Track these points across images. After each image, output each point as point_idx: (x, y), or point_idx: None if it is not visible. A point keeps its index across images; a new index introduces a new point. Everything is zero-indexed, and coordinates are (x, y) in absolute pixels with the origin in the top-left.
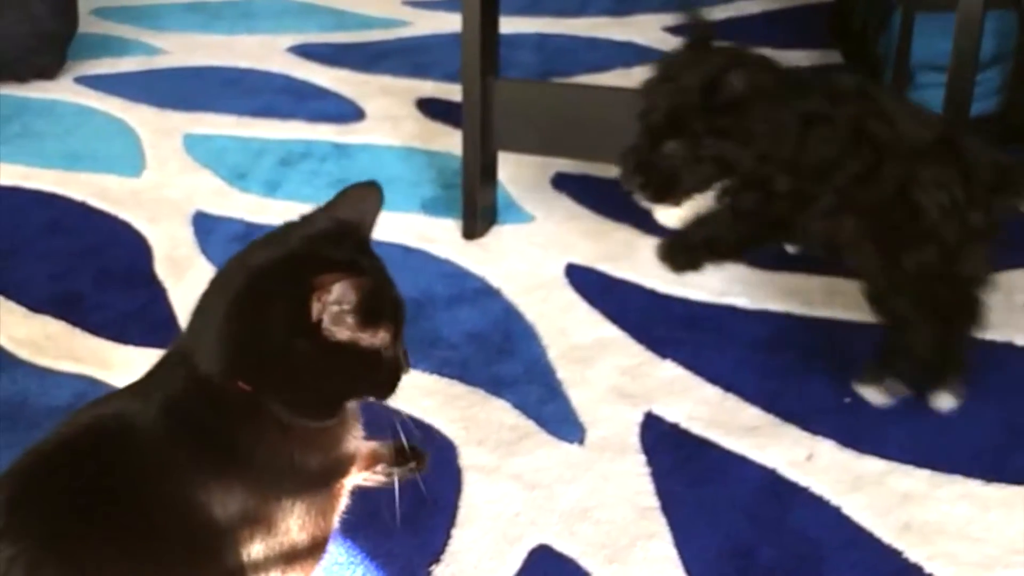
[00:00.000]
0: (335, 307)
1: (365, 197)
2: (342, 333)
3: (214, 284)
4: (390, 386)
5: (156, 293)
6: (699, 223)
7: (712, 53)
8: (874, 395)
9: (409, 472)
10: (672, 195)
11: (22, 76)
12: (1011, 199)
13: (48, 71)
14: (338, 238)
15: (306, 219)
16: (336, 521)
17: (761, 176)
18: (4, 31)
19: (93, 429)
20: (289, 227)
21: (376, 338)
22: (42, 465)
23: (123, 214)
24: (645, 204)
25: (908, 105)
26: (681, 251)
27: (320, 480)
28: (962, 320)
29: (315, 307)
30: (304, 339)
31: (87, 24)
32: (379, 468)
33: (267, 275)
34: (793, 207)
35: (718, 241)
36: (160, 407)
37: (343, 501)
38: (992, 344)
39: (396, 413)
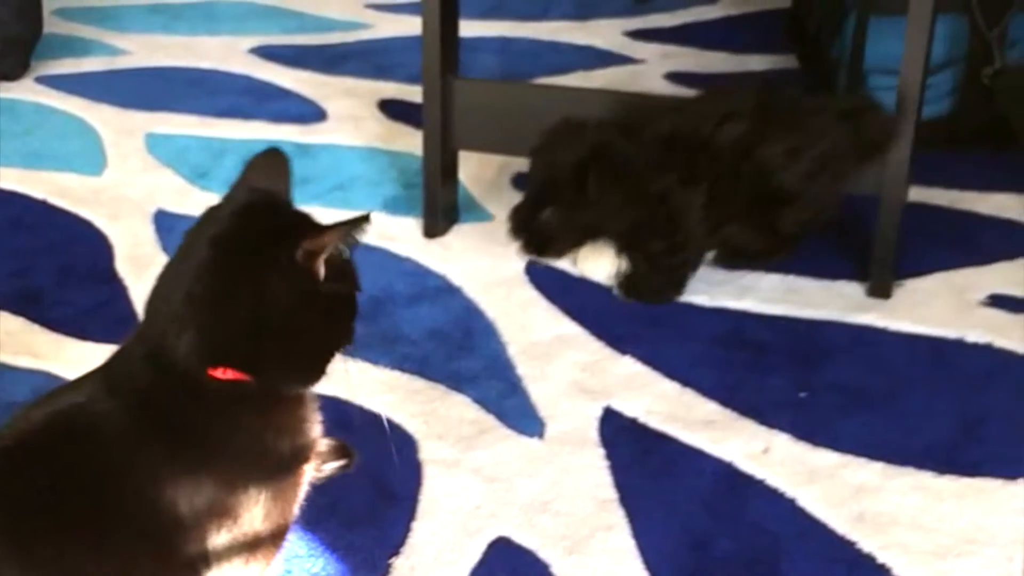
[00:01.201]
0: (327, 258)
1: (274, 164)
2: (334, 283)
3: (172, 277)
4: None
5: (116, 290)
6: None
7: (587, 131)
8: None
9: (339, 470)
10: (549, 254)
11: None
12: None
13: (11, 75)
14: (275, 203)
15: (231, 197)
16: (296, 510)
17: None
18: None
19: (54, 424)
20: (219, 208)
21: (351, 281)
22: (5, 456)
23: (84, 212)
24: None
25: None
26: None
27: (288, 466)
28: None
29: (317, 263)
30: (299, 298)
31: (49, 25)
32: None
33: (238, 251)
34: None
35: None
36: (126, 401)
37: (304, 489)
38: (944, 340)
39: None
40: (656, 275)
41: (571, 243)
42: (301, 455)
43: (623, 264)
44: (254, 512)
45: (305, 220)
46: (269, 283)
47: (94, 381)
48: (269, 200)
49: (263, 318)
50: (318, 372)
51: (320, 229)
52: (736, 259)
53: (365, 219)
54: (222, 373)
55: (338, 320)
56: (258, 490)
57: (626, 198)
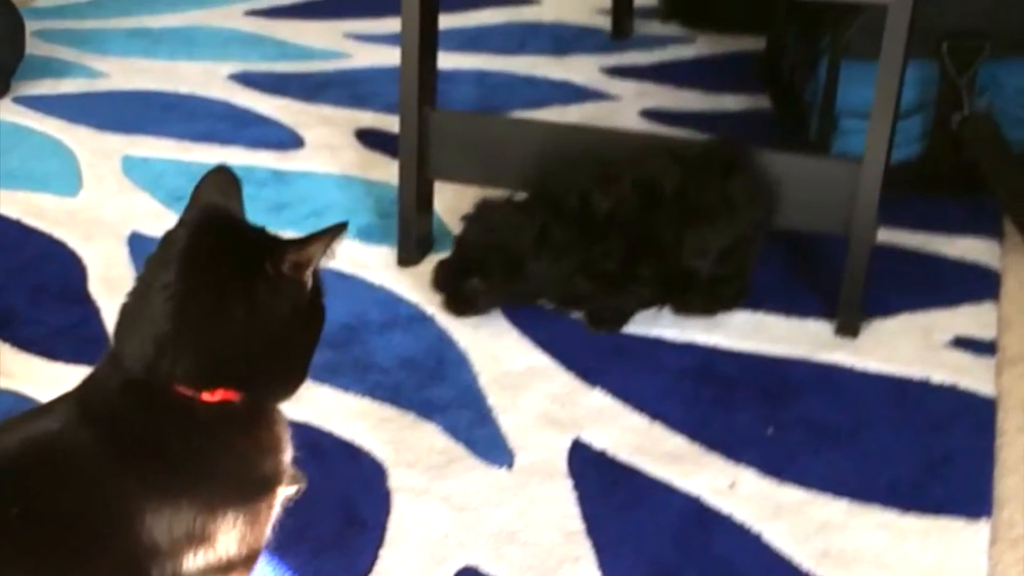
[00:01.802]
0: (309, 267)
1: (225, 182)
2: (316, 293)
3: (148, 301)
4: None
5: (89, 311)
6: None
7: (521, 209)
8: None
9: (292, 496)
10: (468, 314)
11: None
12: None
13: None
14: (236, 220)
15: (192, 219)
16: (268, 534)
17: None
18: None
19: (26, 451)
20: (182, 230)
21: (322, 290)
22: None
23: (59, 233)
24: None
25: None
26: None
27: (265, 488)
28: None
29: (305, 274)
30: (290, 309)
31: (29, 46)
32: None
33: (220, 269)
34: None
35: None
36: (104, 428)
37: (275, 513)
38: (909, 380)
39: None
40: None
41: (494, 306)
42: (277, 476)
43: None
44: (230, 536)
45: (270, 235)
46: (261, 298)
47: (67, 407)
48: (230, 218)
49: (257, 333)
50: (301, 382)
51: (303, 241)
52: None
53: (343, 227)
54: (211, 395)
55: (319, 329)
56: (236, 514)
57: (564, 275)
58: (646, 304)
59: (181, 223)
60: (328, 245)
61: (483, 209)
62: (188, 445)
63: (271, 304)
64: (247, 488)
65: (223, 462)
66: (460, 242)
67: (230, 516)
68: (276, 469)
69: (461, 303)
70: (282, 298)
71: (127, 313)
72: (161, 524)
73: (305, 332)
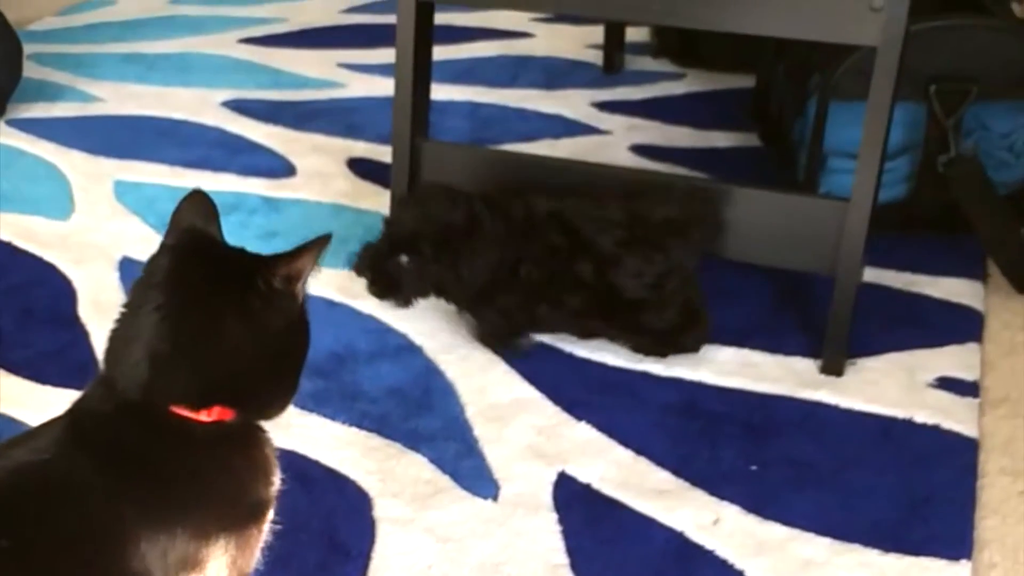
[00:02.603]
0: (300, 280)
1: (201, 204)
2: (301, 306)
3: (140, 326)
4: None
5: (78, 335)
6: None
7: (463, 198)
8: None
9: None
10: (392, 298)
11: None
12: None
13: None
14: (217, 241)
15: (176, 242)
16: (255, 561)
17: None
18: None
19: (16, 480)
20: (167, 254)
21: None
22: None
23: (49, 256)
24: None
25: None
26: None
27: (256, 512)
28: None
29: (297, 287)
30: (284, 323)
31: (24, 69)
32: None
33: (211, 289)
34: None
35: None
36: (97, 456)
37: (263, 539)
38: (893, 420)
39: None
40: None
41: (417, 293)
42: (268, 501)
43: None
44: (221, 561)
45: (255, 253)
46: (255, 313)
47: (56, 433)
48: (214, 239)
49: (254, 348)
50: (292, 396)
51: (292, 254)
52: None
53: (327, 239)
54: (207, 414)
55: (308, 342)
56: (228, 539)
57: (489, 270)
58: (570, 318)
59: (166, 246)
60: (317, 257)
61: (417, 194)
62: (184, 467)
63: (265, 319)
64: (240, 512)
65: (219, 484)
66: (389, 223)
67: (222, 541)
68: (267, 493)
69: (385, 285)
70: (276, 312)
71: (118, 337)
72: (155, 551)
73: (297, 345)
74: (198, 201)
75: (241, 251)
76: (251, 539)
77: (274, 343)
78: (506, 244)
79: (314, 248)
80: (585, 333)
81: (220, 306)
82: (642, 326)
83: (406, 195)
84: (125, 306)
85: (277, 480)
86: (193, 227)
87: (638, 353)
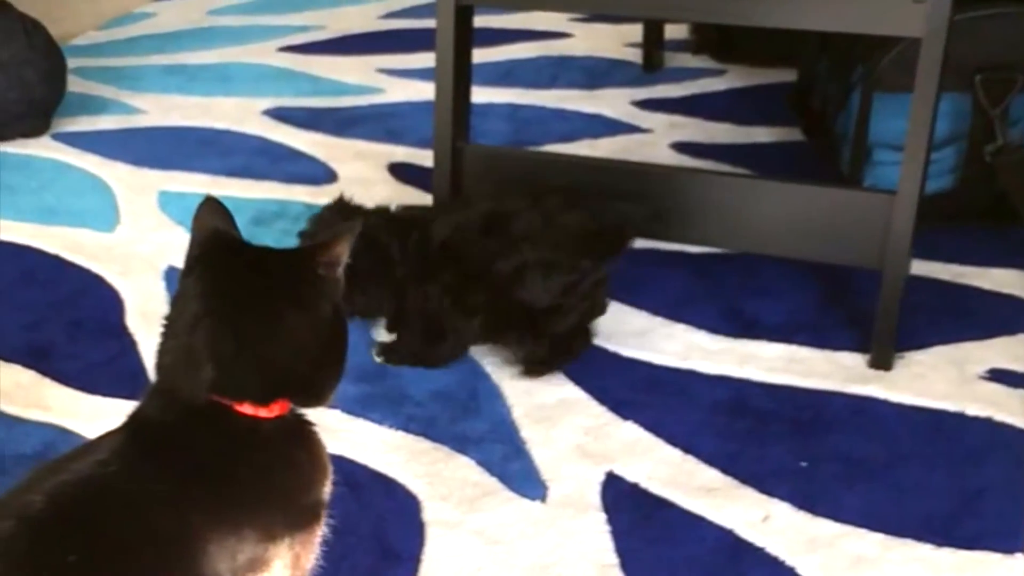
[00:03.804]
0: (339, 265)
1: (218, 210)
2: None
3: (194, 328)
4: None
5: (126, 345)
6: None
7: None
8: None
9: None
10: None
11: (6, 138)
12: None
13: (32, 134)
14: (243, 240)
15: (209, 243)
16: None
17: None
18: None
19: (79, 495)
20: (202, 258)
21: None
22: (33, 531)
23: (96, 267)
24: None
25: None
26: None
27: (316, 513)
28: None
29: (337, 273)
30: (333, 309)
31: (68, 83)
32: None
33: (260, 284)
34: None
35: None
36: (163, 462)
37: (319, 540)
38: (944, 413)
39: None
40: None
41: None
42: (324, 502)
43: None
44: (286, 560)
45: (286, 248)
46: (307, 302)
47: (118, 444)
48: (240, 240)
49: (310, 337)
50: (340, 381)
51: (326, 243)
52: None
53: (357, 225)
54: (269, 410)
55: (347, 326)
56: (292, 537)
57: (387, 290)
58: (472, 339)
59: (198, 252)
60: (350, 243)
61: (333, 209)
62: (252, 466)
63: (318, 306)
64: (304, 509)
65: (285, 481)
66: (302, 236)
67: (287, 540)
68: (326, 490)
69: None
70: (325, 299)
71: (174, 346)
72: (224, 554)
73: (343, 329)
74: (214, 207)
75: (271, 248)
76: (313, 537)
77: (326, 329)
78: (402, 271)
79: (346, 234)
80: (489, 341)
81: (277, 299)
82: (544, 331)
83: (324, 211)
84: (173, 315)
85: (329, 480)
86: (218, 230)
87: (529, 374)
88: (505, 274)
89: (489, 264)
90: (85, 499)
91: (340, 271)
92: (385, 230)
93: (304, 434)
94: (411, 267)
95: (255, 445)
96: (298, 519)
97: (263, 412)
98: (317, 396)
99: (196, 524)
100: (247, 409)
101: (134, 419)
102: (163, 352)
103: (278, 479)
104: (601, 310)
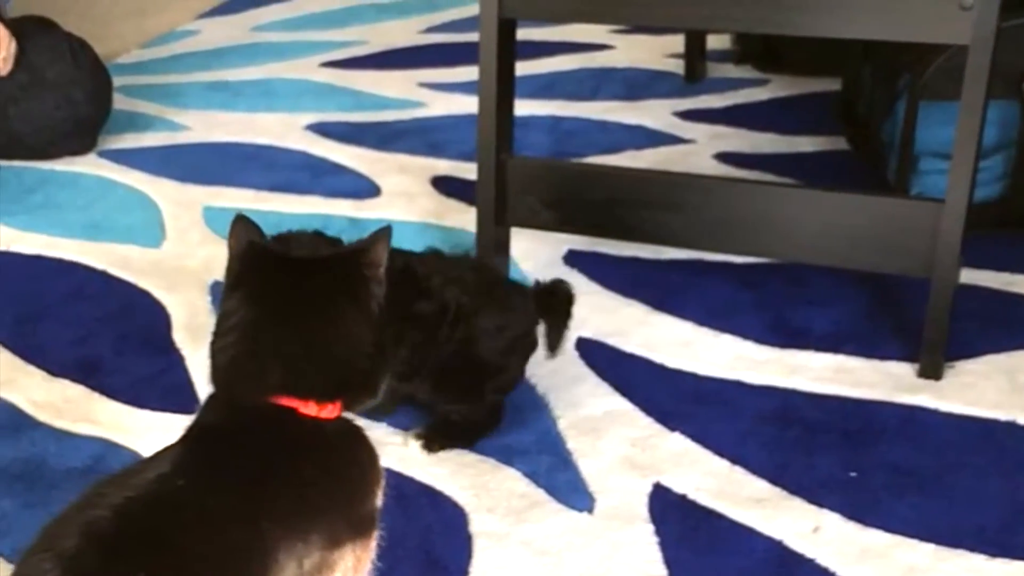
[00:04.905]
0: (381, 266)
1: (251, 226)
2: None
3: (255, 336)
4: None
5: (174, 360)
6: None
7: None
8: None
9: None
10: None
11: (54, 156)
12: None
13: (79, 151)
14: (282, 249)
15: (248, 257)
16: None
17: None
18: (43, 116)
19: (145, 510)
20: (249, 268)
21: None
22: (101, 548)
23: (143, 283)
24: None
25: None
26: None
27: (375, 515)
28: None
29: (380, 274)
30: (381, 309)
31: (113, 101)
32: None
33: (316, 288)
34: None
35: None
36: (229, 471)
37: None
38: (995, 423)
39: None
40: None
41: None
42: (379, 505)
43: None
44: (348, 564)
45: (327, 254)
46: (362, 301)
47: (182, 458)
48: (278, 249)
49: (369, 336)
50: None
51: (365, 247)
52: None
53: (389, 229)
54: (330, 410)
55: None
56: (353, 543)
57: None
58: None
59: (244, 264)
60: (387, 245)
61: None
62: (320, 467)
63: (370, 306)
64: (364, 517)
65: (350, 481)
66: None
67: (349, 544)
68: (380, 500)
69: None
70: (374, 299)
71: (234, 350)
72: (292, 560)
73: (385, 328)
74: (247, 224)
75: (314, 255)
76: (371, 543)
77: (377, 328)
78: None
79: (382, 237)
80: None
81: (334, 298)
82: (478, 392)
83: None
84: (226, 326)
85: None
86: (254, 243)
87: (428, 448)
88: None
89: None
90: (153, 514)
91: (381, 272)
92: None
93: (360, 436)
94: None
95: (321, 446)
96: (359, 524)
97: (324, 412)
98: (372, 392)
99: (266, 532)
100: (310, 410)
101: (194, 430)
102: (219, 360)
103: (343, 481)
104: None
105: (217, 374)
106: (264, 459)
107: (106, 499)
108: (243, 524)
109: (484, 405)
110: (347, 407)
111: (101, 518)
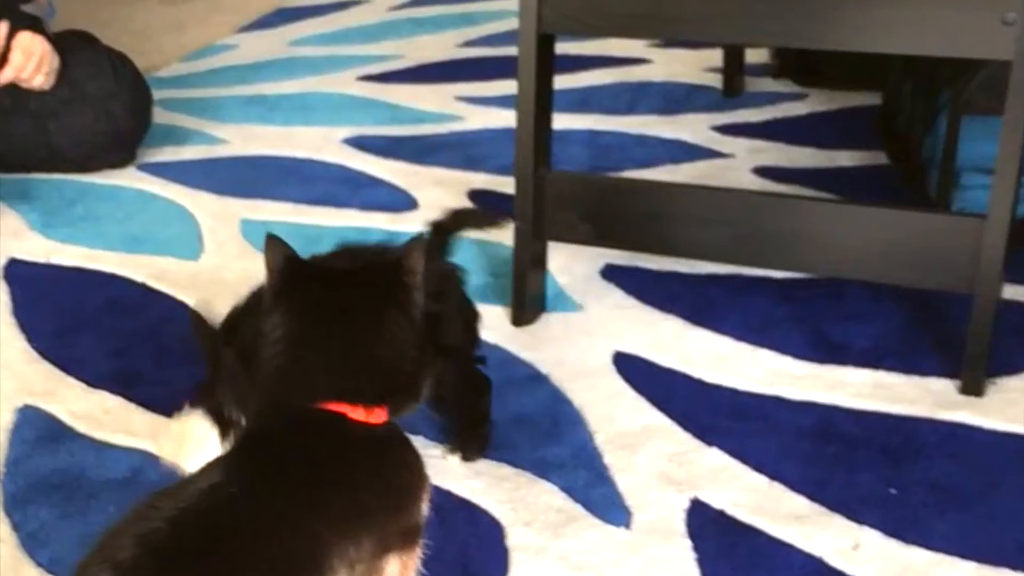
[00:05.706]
0: (418, 274)
1: (281, 243)
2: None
3: (304, 349)
4: None
5: None
6: None
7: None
8: None
9: None
10: None
11: (93, 170)
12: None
13: (118, 165)
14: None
15: (293, 268)
16: None
17: None
18: (83, 130)
19: (200, 522)
20: (289, 282)
21: None
22: (159, 559)
23: (181, 295)
24: None
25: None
26: None
27: (422, 524)
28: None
29: (417, 280)
30: (421, 314)
31: (153, 115)
32: None
33: (358, 296)
34: None
35: None
36: (282, 479)
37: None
38: None
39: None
40: None
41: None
42: (426, 512)
43: None
44: (395, 568)
45: (367, 264)
46: (408, 309)
47: (235, 467)
48: (315, 261)
49: (414, 340)
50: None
51: (402, 256)
52: None
53: (422, 236)
54: (378, 414)
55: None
56: (400, 549)
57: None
58: None
59: (283, 279)
60: (422, 253)
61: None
62: (371, 471)
63: (413, 312)
64: (411, 524)
65: (400, 485)
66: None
67: (397, 551)
68: (424, 509)
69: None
70: (416, 306)
71: (282, 359)
72: (344, 564)
73: (424, 333)
74: (279, 243)
75: (350, 267)
76: (417, 550)
77: (420, 334)
78: None
79: (417, 245)
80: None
81: (379, 308)
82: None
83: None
84: (272, 338)
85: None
86: (291, 257)
87: (466, 459)
88: None
89: None
90: (208, 523)
91: (419, 279)
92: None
93: (407, 441)
94: None
95: (371, 450)
96: (407, 532)
97: (372, 417)
98: (416, 395)
99: (320, 537)
100: (359, 415)
101: (244, 439)
102: (267, 369)
103: (394, 484)
104: None
105: (267, 382)
106: (316, 463)
107: (160, 511)
108: (297, 529)
109: (461, 379)
110: (392, 412)
111: (157, 529)
